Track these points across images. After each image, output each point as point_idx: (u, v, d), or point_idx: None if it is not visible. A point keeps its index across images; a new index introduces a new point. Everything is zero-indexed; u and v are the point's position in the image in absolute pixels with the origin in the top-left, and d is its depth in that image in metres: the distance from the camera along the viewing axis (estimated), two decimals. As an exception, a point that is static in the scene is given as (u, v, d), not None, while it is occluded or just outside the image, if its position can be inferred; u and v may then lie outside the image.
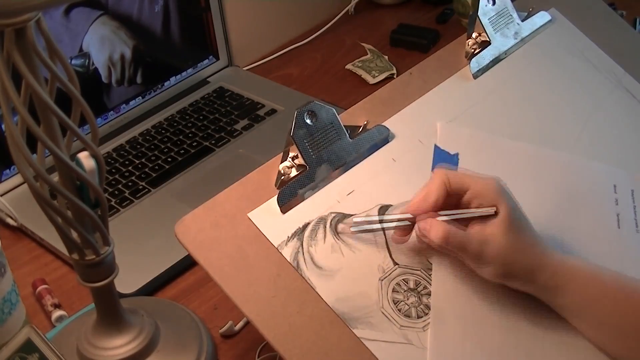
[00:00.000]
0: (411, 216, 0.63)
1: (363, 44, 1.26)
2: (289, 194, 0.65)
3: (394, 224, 0.64)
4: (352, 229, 0.65)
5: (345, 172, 0.69)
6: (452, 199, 0.63)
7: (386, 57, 1.22)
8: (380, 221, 0.65)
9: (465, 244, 0.61)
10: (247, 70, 1.22)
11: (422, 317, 0.63)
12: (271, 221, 0.65)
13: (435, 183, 0.62)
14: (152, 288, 0.82)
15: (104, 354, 0.68)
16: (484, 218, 0.62)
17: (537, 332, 0.64)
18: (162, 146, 1.02)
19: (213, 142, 1.02)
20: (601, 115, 0.82)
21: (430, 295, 0.64)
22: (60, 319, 0.79)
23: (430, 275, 0.65)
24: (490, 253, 0.60)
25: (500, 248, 0.60)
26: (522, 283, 0.62)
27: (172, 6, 1.07)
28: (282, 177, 0.66)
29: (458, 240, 0.61)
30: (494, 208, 0.61)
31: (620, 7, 1.18)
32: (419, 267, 0.65)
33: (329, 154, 0.68)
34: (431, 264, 0.65)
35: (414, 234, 0.65)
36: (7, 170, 0.95)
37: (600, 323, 0.62)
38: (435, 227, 0.61)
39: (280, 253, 0.63)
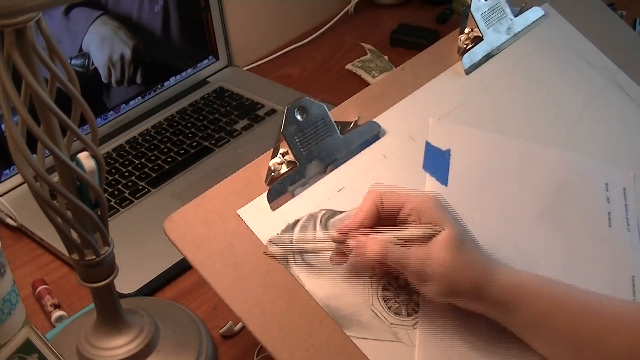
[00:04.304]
0: (332, 240, 0.62)
1: (363, 44, 1.26)
2: (279, 191, 0.65)
3: (318, 246, 0.63)
4: (268, 250, 0.63)
5: (335, 168, 0.69)
6: (388, 219, 0.61)
7: (386, 57, 1.22)
8: (298, 250, 0.64)
9: (405, 260, 0.59)
10: (247, 70, 1.22)
11: (412, 314, 0.63)
12: (261, 218, 0.64)
13: (366, 204, 0.61)
14: (152, 288, 0.82)
15: (103, 354, 0.68)
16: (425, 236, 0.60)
17: None
18: (162, 146, 1.02)
19: (213, 142, 1.02)
20: (593, 111, 0.82)
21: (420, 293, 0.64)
22: (60, 319, 0.79)
23: None
24: (432, 271, 0.58)
25: (443, 265, 0.58)
26: (470, 301, 0.60)
27: (172, 6, 1.07)
28: (272, 174, 0.66)
29: (397, 256, 0.59)
30: (437, 227, 0.59)
31: (620, 7, 1.18)
32: None
33: (319, 150, 0.67)
34: None
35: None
36: (7, 170, 0.95)
37: (553, 338, 0.60)
38: (371, 243, 0.59)
39: (270, 250, 0.63)
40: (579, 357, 0.60)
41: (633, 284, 0.69)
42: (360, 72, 1.19)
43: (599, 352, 0.59)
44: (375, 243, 0.59)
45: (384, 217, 0.62)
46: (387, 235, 0.60)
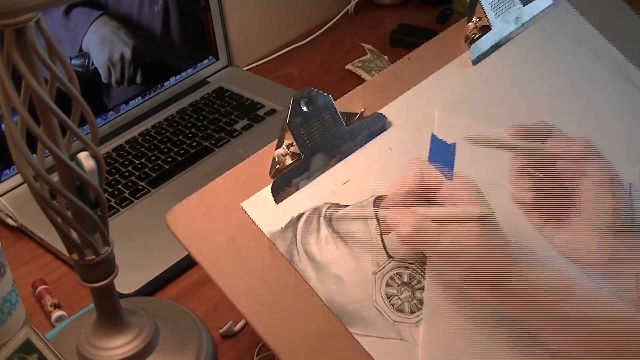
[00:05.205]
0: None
1: (363, 44, 1.26)
2: (284, 184, 0.64)
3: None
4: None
5: (340, 161, 0.68)
6: (426, 194, 0.63)
7: (386, 57, 1.22)
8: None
9: (437, 239, 0.60)
10: (247, 70, 1.22)
11: (415, 312, 0.63)
12: (265, 211, 0.63)
13: (410, 172, 0.63)
14: (152, 288, 0.82)
15: (103, 354, 0.68)
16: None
17: None
18: (162, 146, 1.02)
19: (213, 142, 1.02)
20: (601, 104, 0.81)
21: (424, 289, 0.64)
22: (60, 319, 0.79)
23: (424, 269, 0.64)
24: (460, 258, 0.60)
25: (472, 253, 0.59)
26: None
27: (172, 6, 1.07)
28: (277, 166, 0.65)
29: (430, 234, 0.60)
30: (482, 211, 0.60)
31: (620, 7, 1.18)
32: (413, 261, 0.64)
33: (324, 142, 0.67)
34: (426, 257, 0.65)
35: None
36: (7, 170, 0.95)
37: None
38: (406, 217, 0.60)
39: (274, 244, 0.63)
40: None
41: (637, 282, 0.69)
42: (360, 72, 1.19)
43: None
44: (410, 217, 0.60)
45: (422, 190, 0.63)
46: (424, 210, 0.61)
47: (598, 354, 0.62)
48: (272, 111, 1.08)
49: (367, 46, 1.25)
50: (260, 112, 1.08)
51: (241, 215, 0.63)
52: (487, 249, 0.60)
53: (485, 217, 0.60)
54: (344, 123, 0.68)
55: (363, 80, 1.17)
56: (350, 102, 0.71)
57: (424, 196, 0.62)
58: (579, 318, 0.63)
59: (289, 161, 0.65)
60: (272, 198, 0.64)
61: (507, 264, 0.61)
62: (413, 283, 0.64)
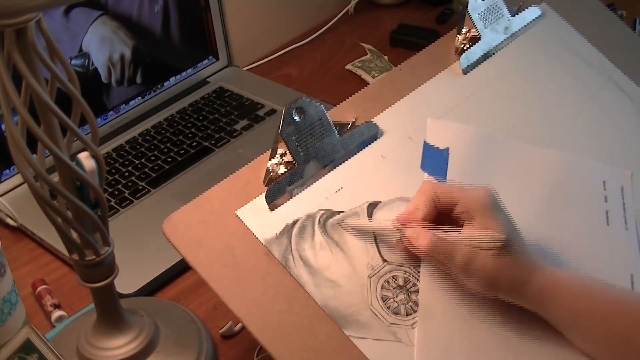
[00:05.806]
0: (401, 228, 0.63)
1: (363, 44, 1.26)
2: (278, 192, 0.65)
3: (383, 231, 0.65)
4: (346, 228, 0.65)
5: (333, 169, 0.68)
6: (442, 212, 0.63)
7: (386, 57, 1.22)
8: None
9: (451, 255, 0.61)
10: (246, 70, 1.22)
11: (410, 314, 0.63)
12: (259, 219, 0.64)
13: (422, 198, 0.62)
14: (152, 288, 0.82)
15: (103, 354, 0.68)
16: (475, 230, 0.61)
17: (524, 329, 0.64)
18: (162, 146, 1.02)
19: (213, 142, 1.02)
20: (591, 110, 0.81)
21: (419, 292, 0.64)
22: (60, 319, 0.79)
23: (419, 272, 0.65)
24: (476, 267, 0.60)
25: (487, 264, 0.60)
26: (508, 296, 0.62)
27: (172, 6, 1.07)
28: (271, 175, 0.66)
29: (445, 250, 0.61)
30: (488, 236, 0.60)
31: (620, 8, 1.18)
32: (407, 264, 0.65)
33: (317, 150, 0.67)
34: (420, 260, 0.65)
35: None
36: (7, 170, 0.95)
37: (588, 335, 0.62)
38: (423, 235, 0.61)
39: (269, 250, 0.63)
40: (613, 355, 0.61)
41: (632, 282, 0.70)
42: (360, 72, 1.19)
43: (633, 351, 0.60)
44: (426, 235, 0.61)
45: (438, 211, 0.63)
46: (443, 234, 0.61)
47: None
48: (272, 111, 1.08)
49: (367, 46, 1.25)
50: (260, 112, 1.08)
51: (236, 222, 0.64)
52: (501, 263, 0.61)
53: (496, 245, 0.60)
54: (336, 132, 0.69)
55: (363, 80, 1.17)
56: (342, 111, 0.72)
57: (440, 218, 0.63)
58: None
59: (282, 170, 0.66)
60: (267, 205, 0.65)
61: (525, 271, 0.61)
62: (408, 286, 0.64)
